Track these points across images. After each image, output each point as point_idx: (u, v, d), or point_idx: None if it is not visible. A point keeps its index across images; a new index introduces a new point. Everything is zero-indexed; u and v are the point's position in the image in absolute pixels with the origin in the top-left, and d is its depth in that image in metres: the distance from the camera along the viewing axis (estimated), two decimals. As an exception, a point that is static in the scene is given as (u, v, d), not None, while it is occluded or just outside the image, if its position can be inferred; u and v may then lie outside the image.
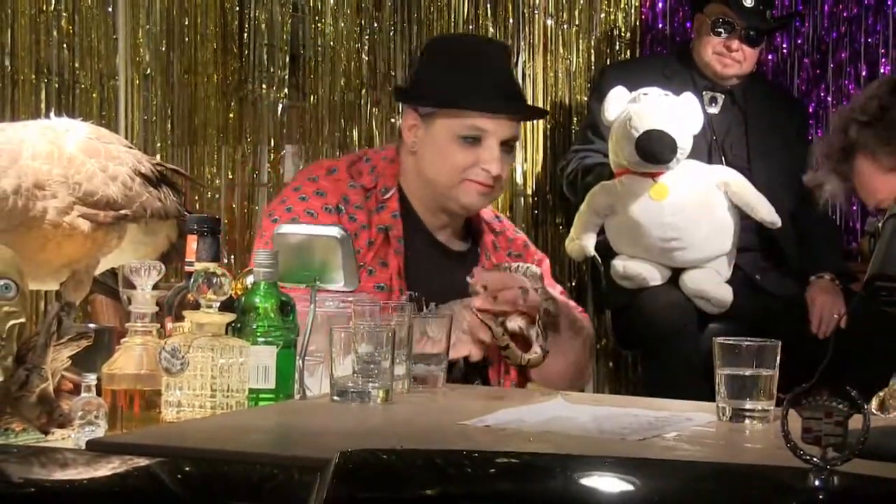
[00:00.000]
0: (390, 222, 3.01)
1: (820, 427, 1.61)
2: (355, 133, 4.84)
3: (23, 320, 2.10)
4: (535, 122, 5.14)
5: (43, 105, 4.28)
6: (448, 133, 2.99)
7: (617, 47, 5.28)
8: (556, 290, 3.13)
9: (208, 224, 2.33)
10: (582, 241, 4.30)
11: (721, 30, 4.51)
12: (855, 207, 5.13)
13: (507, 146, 3.02)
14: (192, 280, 2.21)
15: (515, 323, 2.83)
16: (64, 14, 4.32)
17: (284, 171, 4.68)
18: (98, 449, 1.84)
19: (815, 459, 1.62)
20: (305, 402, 2.27)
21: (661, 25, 5.29)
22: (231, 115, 4.65)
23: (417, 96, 3.08)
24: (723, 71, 4.53)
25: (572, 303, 3.17)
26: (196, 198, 4.48)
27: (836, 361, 1.95)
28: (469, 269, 2.97)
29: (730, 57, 4.51)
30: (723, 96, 4.59)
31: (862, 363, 2.64)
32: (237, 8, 4.66)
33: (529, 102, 4.65)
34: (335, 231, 2.39)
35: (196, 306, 2.19)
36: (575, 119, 5.20)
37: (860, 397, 1.63)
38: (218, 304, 2.18)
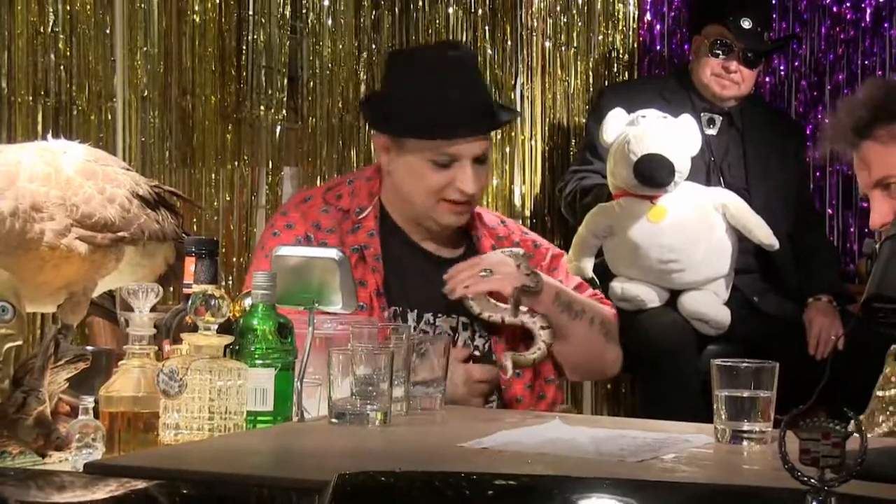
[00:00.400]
0: (366, 241, 3.01)
1: (817, 448, 1.62)
2: (353, 154, 4.85)
3: (20, 343, 2.10)
4: (532, 145, 5.17)
5: (40, 127, 4.29)
6: (420, 157, 2.98)
7: (615, 69, 5.30)
8: (573, 281, 3.17)
9: (206, 246, 2.33)
10: (580, 263, 4.31)
11: (719, 51, 4.52)
12: (853, 229, 5.14)
13: (480, 161, 3.02)
14: (189, 302, 2.21)
15: (502, 315, 2.91)
16: (61, 36, 4.33)
17: (283, 193, 4.69)
18: (96, 471, 1.85)
19: (812, 481, 1.63)
20: (303, 425, 2.27)
21: (658, 47, 5.31)
22: (229, 137, 4.66)
23: (386, 122, 3.06)
24: (721, 92, 4.55)
25: (590, 291, 3.19)
26: (194, 220, 4.49)
27: (833, 383, 1.95)
28: None
29: (728, 78, 4.53)
30: (721, 118, 4.60)
31: (859, 384, 2.66)
32: (235, 29, 4.68)
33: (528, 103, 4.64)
34: (333, 253, 2.39)
35: (194, 328, 2.20)
36: (573, 141, 5.22)
37: (857, 418, 1.64)
38: (216, 327, 2.19)
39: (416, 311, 2.99)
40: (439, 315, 3.00)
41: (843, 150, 2.76)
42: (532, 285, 2.96)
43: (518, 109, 5.01)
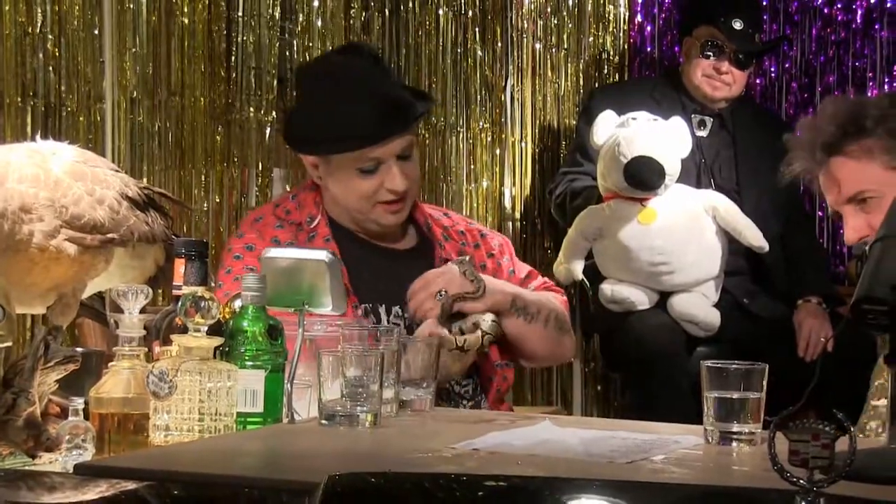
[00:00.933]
0: (323, 246, 3.02)
1: (807, 449, 1.63)
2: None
3: (9, 344, 2.11)
4: (523, 147, 5.17)
5: (29, 128, 4.29)
6: (347, 169, 3.04)
7: (605, 71, 5.31)
8: (523, 269, 3.22)
9: (196, 247, 2.34)
10: (570, 265, 4.32)
11: (710, 52, 4.53)
12: (842, 231, 5.15)
13: (404, 157, 3.07)
14: (179, 304, 2.22)
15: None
16: (50, 36, 4.33)
17: (272, 195, 4.70)
18: (85, 473, 1.85)
19: (801, 482, 1.63)
20: (294, 426, 2.27)
21: (649, 49, 5.32)
22: (218, 138, 4.66)
23: (305, 144, 3.12)
24: (713, 93, 4.56)
25: (540, 280, 3.23)
26: (184, 221, 4.49)
27: (823, 384, 1.96)
28: (424, 262, 3.07)
29: (719, 79, 4.54)
30: (712, 120, 4.61)
31: (849, 386, 2.67)
32: (224, 30, 4.68)
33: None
34: (323, 255, 2.40)
35: (184, 330, 2.20)
36: (563, 143, 5.23)
37: (847, 420, 1.65)
38: (206, 328, 2.19)
39: (384, 305, 3.03)
40: (404, 305, 3.05)
41: (808, 169, 2.76)
42: (472, 290, 2.99)
43: (504, 112, 5.01)
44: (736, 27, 4.52)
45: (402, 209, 3.10)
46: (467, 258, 3.06)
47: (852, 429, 1.63)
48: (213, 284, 2.72)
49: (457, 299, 2.98)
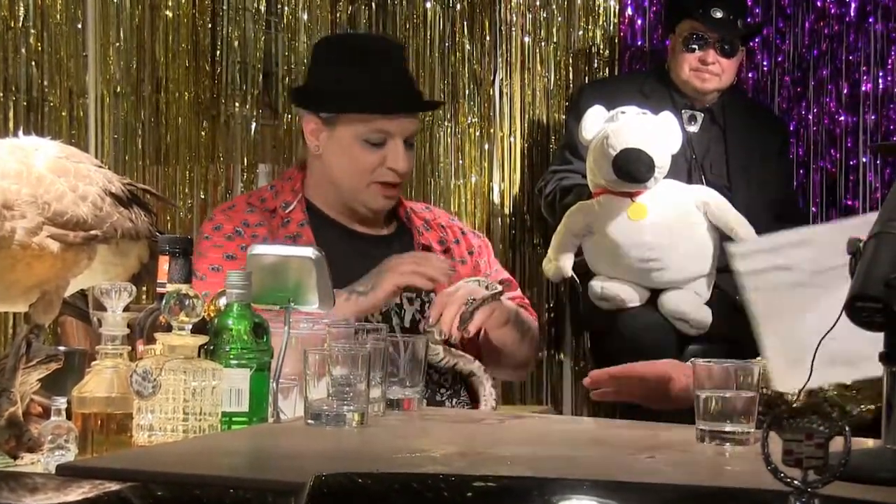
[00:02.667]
0: (297, 231, 3.07)
1: (801, 449, 1.62)
2: (329, 152, 4.85)
3: (-9, 343, 2.10)
4: (512, 142, 5.17)
5: (11, 123, 4.28)
6: (352, 136, 3.06)
7: (595, 65, 5.31)
8: (500, 273, 3.23)
9: (180, 245, 2.33)
10: (559, 262, 4.32)
11: (695, 45, 4.54)
12: (836, 227, 5.16)
13: (409, 143, 3.10)
14: (163, 302, 2.21)
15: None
16: (32, 31, 4.32)
17: (257, 191, 4.69)
18: (68, 474, 1.84)
19: (795, 482, 1.63)
20: (279, 426, 2.27)
21: (640, 42, 5.33)
22: (203, 134, 4.66)
23: (317, 101, 3.12)
24: (702, 86, 4.56)
25: (516, 293, 3.24)
26: (168, 218, 4.48)
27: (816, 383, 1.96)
28: (400, 246, 3.09)
29: (707, 70, 4.55)
30: (702, 115, 4.62)
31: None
32: (209, 25, 4.67)
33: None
34: (310, 252, 2.39)
35: (168, 328, 2.20)
36: (553, 137, 5.23)
37: (841, 419, 1.64)
38: (190, 327, 2.18)
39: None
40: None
41: None
42: (497, 293, 2.98)
43: (492, 107, 5.03)
44: (716, 16, 4.54)
45: (394, 195, 3.11)
46: (489, 282, 3.02)
47: (847, 428, 1.63)
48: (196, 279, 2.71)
49: (479, 306, 2.95)
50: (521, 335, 3.09)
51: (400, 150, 3.05)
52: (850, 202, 5.18)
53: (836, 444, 1.65)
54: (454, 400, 3.07)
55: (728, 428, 2.15)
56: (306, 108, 3.18)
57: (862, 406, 2.41)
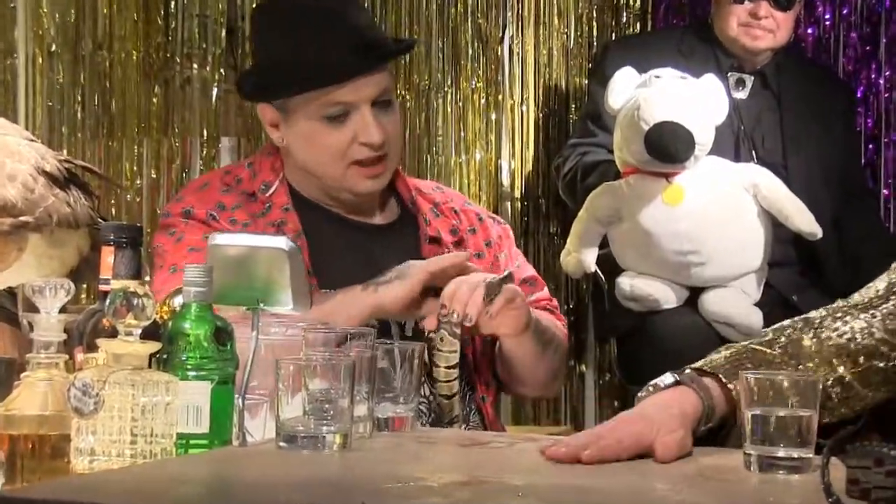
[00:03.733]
0: (281, 217, 3.07)
1: (868, 478, 1.63)
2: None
3: None
4: (524, 112, 5.17)
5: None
6: (309, 119, 3.06)
7: (624, 19, 5.32)
8: (525, 270, 3.22)
9: (127, 233, 2.34)
10: (580, 255, 4.33)
11: (744, -5, 4.54)
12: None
13: (383, 103, 3.07)
14: (107, 301, 2.21)
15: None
16: (-52, -23, 4.33)
17: (220, 169, 4.69)
18: (-7, 507, 1.85)
19: (861, 517, 1.64)
20: (246, 450, 2.28)
21: (677, -9, 5.33)
22: (155, 101, 4.67)
23: (260, 90, 3.13)
24: (753, 44, 4.56)
25: (543, 293, 3.23)
26: (113, 202, 4.49)
27: (887, 400, 1.97)
28: (402, 238, 3.09)
29: (759, 26, 4.55)
30: (752, 78, 4.62)
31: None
32: (162, -30, 4.68)
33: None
34: (282, 242, 2.40)
35: (113, 333, 2.20)
36: (572, 106, 5.24)
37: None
38: (140, 331, 2.19)
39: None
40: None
41: None
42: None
43: (501, 69, 5.03)
44: None
45: (381, 173, 3.10)
46: (501, 277, 2.94)
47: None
48: (146, 278, 2.72)
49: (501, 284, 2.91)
50: (543, 346, 3.08)
51: (368, 119, 3.04)
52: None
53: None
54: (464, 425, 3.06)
55: (781, 453, 2.15)
56: (249, 99, 3.23)
57: None
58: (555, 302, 3.30)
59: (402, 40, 3.31)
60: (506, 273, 2.96)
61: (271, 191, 3.11)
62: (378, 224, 3.17)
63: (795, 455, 2.16)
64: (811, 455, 2.16)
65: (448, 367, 2.94)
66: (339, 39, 3.03)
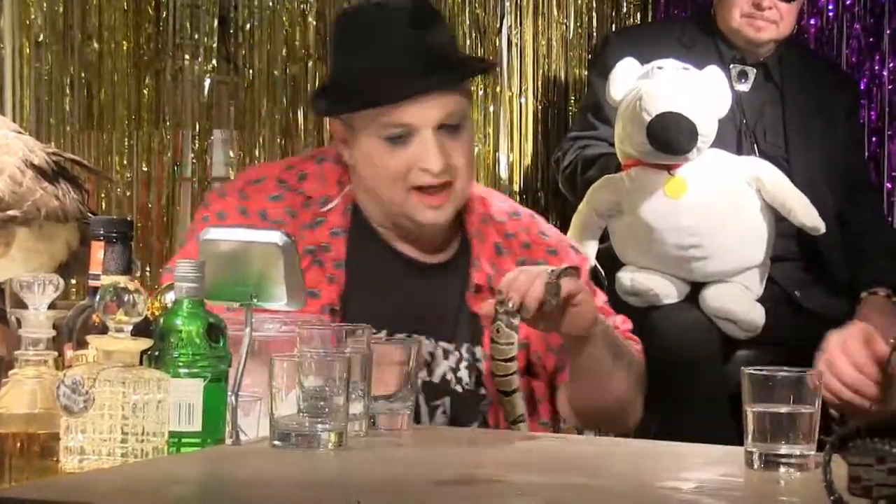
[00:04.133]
0: (327, 241, 2.99)
1: (870, 475, 1.63)
2: (300, 115, 4.85)
3: None
4: (522, 103, 5.17)
5: None
6: (371, 138, 2.96)
7: (624, 9, 5.32)
8: (598, 299, 3.07)
9: (118, 228, 2.34)
10: (580, 249, 4.32)
11: (747, -15, 4.54)
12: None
13: (449, 128, 2.96)
14: (97, 297, 2.22)
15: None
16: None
17: (212, 163, 4.69)
18: (-19, 506, 1.85)
19: (864, 515, 1.65)
20: (239, 448, 2.28)
21: (679, -18, 5.33)
22: (146, 93, 4.66)
23: (328, 103, 3.07)
24: (756, 35, 4.56)
25: (618, 318, 3.13)
26: (103, 195, 4.49)
27: (891, 396, 1.97)
28: (445, 284, 3.00)
29: (762, 17, 4.55)
30: (755, 70, 4.62)
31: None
32: (153, -41, 4.68)
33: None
34: (276, 237, 2.39)
35: (103, 330, 2.20)
36: (572, 98, 5.24)
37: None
38: (130, 328, 2.19)
39: (384, 331, 2.91)
40: (414, 335, 2.91)
41: None
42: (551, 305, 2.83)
43: (499, 60, 5.01)
44: None
45: (444, 203, 2.97)
46: (563, 269, 2.85)
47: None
48: (137, 273, 2.72)
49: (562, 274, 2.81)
50: (613, 358, 2.96)
51: (429, 144, 2.92)
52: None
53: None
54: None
55: (783, 450, 2.16)
56: (318, 112, 3.16)
57: None
58: (628, 324, 3.17)
59: (481, 60, 3.15)
60: (566, 266, 2.86)
61: (329, 206, 3.02)
62: (430, 263, 3.06)
63: (797, 452, 2.17)
64: (813, 452, 2.17)
65: (504, 361, 2.87)
66: (408, 57, 2.94)
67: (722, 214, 4.29)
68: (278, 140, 4.78)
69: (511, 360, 2.88)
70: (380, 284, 3.01)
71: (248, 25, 4.82)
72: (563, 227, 4.42)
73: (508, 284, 2.80)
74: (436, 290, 3.01)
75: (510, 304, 2.78)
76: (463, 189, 3.00)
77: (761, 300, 4.35)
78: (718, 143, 4.33)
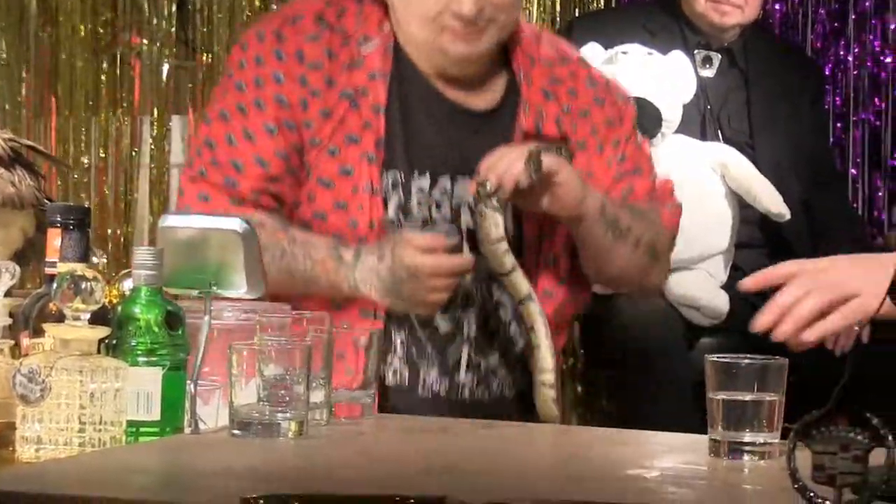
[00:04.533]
0: (364, 84, 2.90)
1: (834, 463, 1.64)
2: (260, 100, 4.83)
3: None
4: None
5: None
6: None
7: (587, -6, 5.31)
8: (630, 162, 3.07)
9: (75, 215, 2.33)
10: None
11: (711, -31, 4.54)
12: (881, 193, 5.19)
13: None
14: (54, 285, 2.21)
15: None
16: None
17: (171, 149, 4.68)
18: (-63, 497, 1.85)
19: (828, 503, 1.65)
20: (198, 437, 2.28)
21: (642, -34, 5.34)
22: (103, 78, 4.65)
23: None
24: (721, 20, 4.56)
25: (647, 181, 3.12)
26: (59, 182, 4.47)
27: (855, 383, 1.98)
28: (492, 134, 2.92)
29: (727, 2, 4.55)
30: (719, 56, 4.63)
31: (887, 384, 2.69)
32: (109, -58, 4.66)
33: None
34: (236, 224, 2.39)
35: (60, 318, 2.20)
36: (535, 83, 5.23)
37: (884, 426, 1.66)
38: (88, 316, 2.19)
39: (427, 172, 2.90)
40: (459, 177, 2.91)
41: None
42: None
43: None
44: None
45: (476, 38, 2.87)
46: (545, 147, 2.82)
47: (890, 437, 1.65)
48: (94, 260, 2.71)
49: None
50: (614, 236, 2.94)
51: None
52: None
53: (877, 456, 1.67)
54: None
55: (747, 438, 2.17)
56: None
57: None
58: (660, 186, 3.16)
59: None
60: (551, 144, 2.85)
61: (369, 47, 2.92)
62: (478, 110, 2.98)
63: (762, 440, 2.18)
64: (777, 440, 2.18)
65: (492, 243, 2.83)
66: None
67: (686, 200, 4.27)
68: (238, 126, 4.77)
69: (499, 240, 2.84)
70: (423, 128, 2.95)
71: (205, 9, 4.80)
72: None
73: (488, 166, 2.79)
74: (482, 136, 2.94)
75: (488, 186, 2.78)
76: (499, 27, 2.91)
77: (725, 287, 4.36)
78: (683, 128, 4.34)
